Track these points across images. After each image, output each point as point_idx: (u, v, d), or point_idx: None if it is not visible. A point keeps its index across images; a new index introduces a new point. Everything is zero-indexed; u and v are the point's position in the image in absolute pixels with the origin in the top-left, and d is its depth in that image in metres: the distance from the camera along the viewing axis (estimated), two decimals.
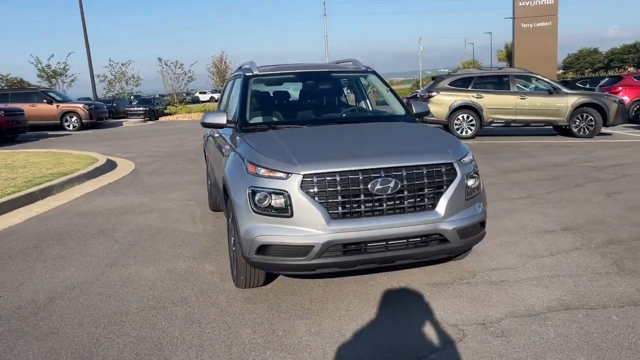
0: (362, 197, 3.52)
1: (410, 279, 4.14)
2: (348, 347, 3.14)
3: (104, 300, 3.95)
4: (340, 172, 3.51)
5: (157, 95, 47.86)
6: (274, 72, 5.22)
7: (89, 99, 35.11)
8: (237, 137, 4.32)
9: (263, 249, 3.55)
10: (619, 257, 4.45)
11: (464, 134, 13.93)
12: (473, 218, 3.81)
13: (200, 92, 73.26)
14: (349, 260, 3.57)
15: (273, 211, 3.53)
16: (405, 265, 4.25)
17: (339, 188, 3.50)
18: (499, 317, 3.43)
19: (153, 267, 4.63)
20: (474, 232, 3.85)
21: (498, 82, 14.16)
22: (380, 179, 3.53)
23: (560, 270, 4.21)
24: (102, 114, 24.89)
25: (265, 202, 3.54)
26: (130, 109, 37.57)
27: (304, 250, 3.47)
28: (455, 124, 14.00)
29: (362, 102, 5.55)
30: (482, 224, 3.95)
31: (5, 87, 37.56)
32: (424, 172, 3.64)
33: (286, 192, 3.48)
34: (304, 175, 3.49)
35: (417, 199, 3.63)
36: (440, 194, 3.67)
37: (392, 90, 5.12)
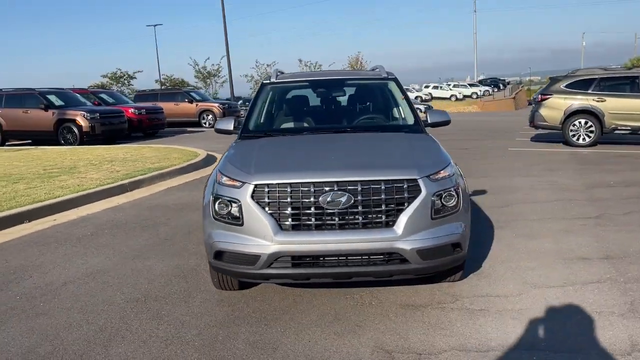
0: (313, 210, 3.49)
1: (386, 296, 3.98)
2: None
3: (103, 289, 4.36)
4: (292, 184, 3.51)
5: None
6: (289, 80, 5.30)
7: (229, 99, 37.79)
8: (232, 144, 4.49)
9: (219, 254, 3.67)
10: None
11: (580, 141, 12.67)
12: (440, 239, 3.56)
13: None
14: (299, 273, 3.56)
15: (229, 219, 3.64)
16: (387, 282, 4.10)
17: (289, 200, 3.50)
18: (442, 349, 3.19)
19: (166, 262, 4.98)
20: (442, 254, 3.60)
21: (626, 84, 12.62)
22: (331, 193, 3.46)
23: (556, 305, 3.75)
24: (235, 113, 26.68)
25: (225, 209, 3.65)
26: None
27: (252, 259, 3.53)
28: (571, 130, 12.78)
29: (386, 109, 5.39)
30: (456, 245, 3.67)
31: (167, 87, 41.85)
32: (382, 187, 3.49)
33: (239, 201, 3.57)
34: (256, 185, 3.55)
35: (374, 215, 3.50)
36: (400, 211, 3.50)
37: (407, 99, 4.92)
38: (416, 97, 51.55)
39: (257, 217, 3.52)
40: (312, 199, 3.48)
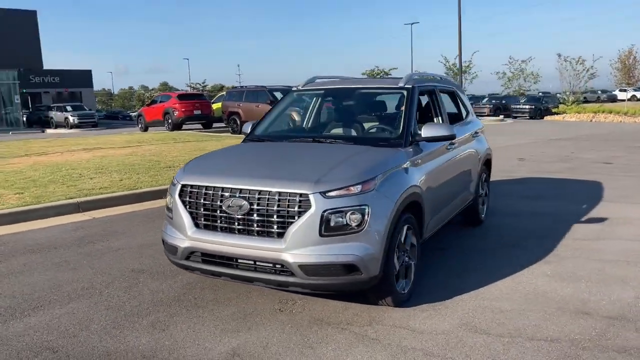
0: (219, 212, 3.75)
1: (311, 308, 3.97)
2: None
3: (122, 260, 5.22)
4: (206, 187, 3.82)
5: (550, 94, 46.13)
6: (309, 88, 5.41)
7: (484, 96, 37.26)
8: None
9: (163, 242, 4.19)
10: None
11: None
12: (327, 257, 3.46)
13: (621, 90, 65.79)
14: (207, 269, 3.86)
15: (169, 213, 4.12)
16: (331, 296, 4.08)
17: (202, 201, 3.82)
18: None
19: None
20: (329, 273, 3.48)
21: None
22: (233, 199, 3.67)
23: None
24: None
25: (168, 204, 4.16)
26: (515, 106, 37.78)
27: (174, 250, 3.97)
28: None
29: (383, 120, 5.13)
30: (351, 267, 3.49)
31: None
32: (276, 198, 3.56)
33: (172, 197, 4.03)
34: (182, 185, 3.96)
35: (267, 225, 3.59)
36: (290, 224, 3.52)
37: (407, 111, 4.60)
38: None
39: (180, 213, 3.93)
40: (218, 202, 3.74)
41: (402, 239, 3.93)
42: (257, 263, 3.63)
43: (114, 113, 61.88)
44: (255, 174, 3.82)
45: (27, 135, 28.40)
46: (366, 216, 3.52)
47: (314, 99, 5.54)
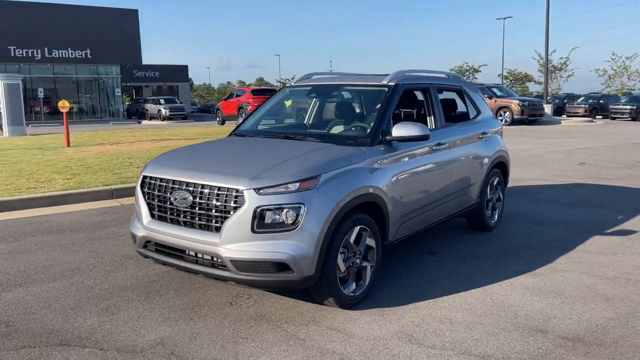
0: (168, 204, 3.86)
1: (270, 305, 3.97)
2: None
3: (121, 245, 5.50)
4: (160, 179, 3.95)
5: None
6: (299, 84, 5.36)
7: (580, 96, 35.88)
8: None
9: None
10: None
11: None
12: (258, 254, 3.47)
13: None
14: (159, 259, 3.98)
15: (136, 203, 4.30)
16: (289, 293, 4.08)
17: (156, 192, 3.96)
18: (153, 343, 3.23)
19: None
20: (260, 270, 3.48)
21: None
22: (179, 191, 3.77)
23: None
24: (537, 112, 24.68)
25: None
26: (615, 106, 35.09)
27: (134, 238, 4.14)
28: None
29: (360, 118, 5.00)
30: (282, 265, 3.47)
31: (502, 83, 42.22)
32: (215, 193, 3.61)
33: (136, 188, 4.20)
34: (143, 176, 4.11)
35: (207, 218, 3.65)
36: (226, 218, 3.56)
37: (383, 109, 4.45)
38: None
39: (140, 203, 4.09)
40: (168, 194, 3.86)
41: (352, 239, 3.84)
42: (198, 255, 3.70)
43: (207, 107, 64.71)
44: (203, 168, 3.89)
45: (122, 125, 30.41)
46: (301, 215, 3.48)
47: (300, 95, 5.52)
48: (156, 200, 3.95)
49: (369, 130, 4.37)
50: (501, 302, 4.02)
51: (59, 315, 3.84)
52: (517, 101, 24.29)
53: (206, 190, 3.65)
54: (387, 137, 4.27)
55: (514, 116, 23.82)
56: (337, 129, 4.84)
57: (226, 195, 3.57)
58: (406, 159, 4.46)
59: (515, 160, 11.80)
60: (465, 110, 5.82)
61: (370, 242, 4.02)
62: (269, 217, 3.48)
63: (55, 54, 38.52)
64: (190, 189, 3.72)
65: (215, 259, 3.61)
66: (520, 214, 6.75)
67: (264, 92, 27.24)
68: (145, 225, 3.97)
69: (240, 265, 3.49)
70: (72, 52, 39.16)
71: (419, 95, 5.16)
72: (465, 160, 5.30)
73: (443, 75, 5.73)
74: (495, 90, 25.67)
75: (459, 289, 4.27)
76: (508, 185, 8.57)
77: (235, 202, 3.53)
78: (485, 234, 5.89)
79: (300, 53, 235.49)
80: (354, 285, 3.92)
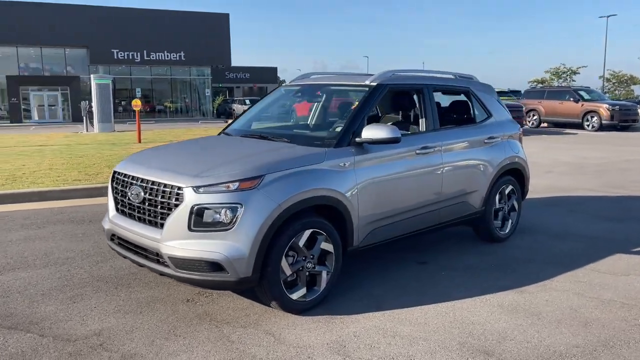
0: (126, 199, 3.96)
1: (222, 305, 3.95)
2: None
3: None
4: (124, 175, 4.05)
5: None
6: (290, 84, 5.25)
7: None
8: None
9: None
10: None
11: None
12: (192, 252, 3.46)
13: None
14: (122, 253, 4.09)
15: None
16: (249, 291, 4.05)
17: (119, 187, 4.07)
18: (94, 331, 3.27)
19: None
20: (195, 269, 3.48)
21: None
22: (134, 187, 3.85)
23: None
24: (630, 117, 22.61)
25: None
26: None
27: (103, 231, 4.29)
28: None
29: (336, 118, 4.79)
30: (216, 265, 3.43)
31: (571, 86, 39.99)
32: (161, 190, 3.66)
33: (108, 182, 4.35)
34: (113, 172, 4.25)
35: (153, 214, 3.70)
36: (168, 215, 3.59)
37: (357, 110, 4.27)
38: None
39: (109, 197, 4.24)
40: (127, 190, 3.95)
41: (302, 243, 3.72)
42: (147, 251, 3.76)
43: None
44: (161, 166, 3.94)
45: (208, 124, 31.62)
46: (238, 215, 3.43)
47: (290, 95, 5.43)
48: (119, 195, 4.06)
49: (337, 132, 4.22)
50: (463, 318, 3.73)
51: (27, 300, 4.05)
52: (607, 105, 22.43)
53: (155, 187, 3.70)
54: (357, 139, 4.11)
55: (603, 121, 22.05)
56: (313, 130, 4.74)
57: (170, 193, 3.60)
58: (380, 162, 4.26)
59: (573, 169, 10.98)
60: (471, 113, 5.46)
61: (326, 246, 3.88)
62: (207, 216, 3.46)
63: (153, 57, 41.16)
64: (143, 185, 3.79)
65: (158, 255, 3.65)
66: (543, 225, 6.23)
67: None
68: (111, 218, 4.10)
69: (177, 262, 3.50)
70: (167, 55, 41.66)
71: (415, 97, 4.92)
72: (462, 165, 4.96)
73: (449, 76, 5.42)
74: (582, 93, 23.90)
75: (425, 302, 4.02)
76: (545, 195, 8.04)
77: (176, 199, 3.55)
78: (492, 245, 5.50)
79: (393, 54, 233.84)
80: (304, 290, 3.79)
